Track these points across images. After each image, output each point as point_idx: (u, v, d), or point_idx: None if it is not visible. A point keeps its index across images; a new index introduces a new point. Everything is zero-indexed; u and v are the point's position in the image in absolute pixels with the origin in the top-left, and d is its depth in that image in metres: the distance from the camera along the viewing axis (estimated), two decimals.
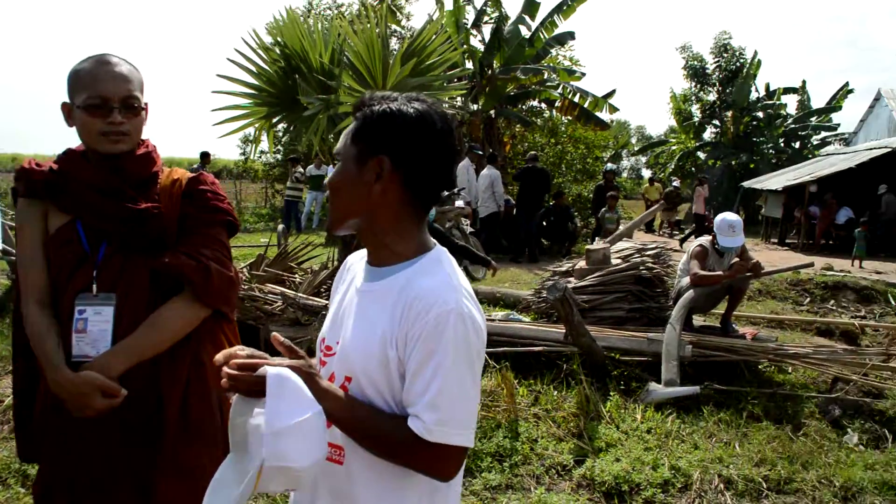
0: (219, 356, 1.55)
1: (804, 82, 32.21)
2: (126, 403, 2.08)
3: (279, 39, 7.12)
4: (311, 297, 6.09)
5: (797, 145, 30.61)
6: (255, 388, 1.48)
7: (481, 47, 18.53)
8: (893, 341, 7.83)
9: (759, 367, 6.19)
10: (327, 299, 6.27)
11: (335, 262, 7.29)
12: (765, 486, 4.33)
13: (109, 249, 2.17)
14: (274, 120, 7.23)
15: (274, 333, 1.60)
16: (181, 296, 2.18)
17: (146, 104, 2.23)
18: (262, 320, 5.99)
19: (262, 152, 23.44)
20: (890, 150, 18.85)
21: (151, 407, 2.15)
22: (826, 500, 4.22)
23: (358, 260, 1.80)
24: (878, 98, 23.78)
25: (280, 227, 13.60)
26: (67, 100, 2.16)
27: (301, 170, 18.89)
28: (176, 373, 2.19)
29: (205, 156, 17.54)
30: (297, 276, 7.01)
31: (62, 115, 2.19)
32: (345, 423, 1.54)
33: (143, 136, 2.28)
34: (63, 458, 2.16)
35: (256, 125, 7.23)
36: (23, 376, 2.29)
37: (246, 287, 6.27)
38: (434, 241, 1.69)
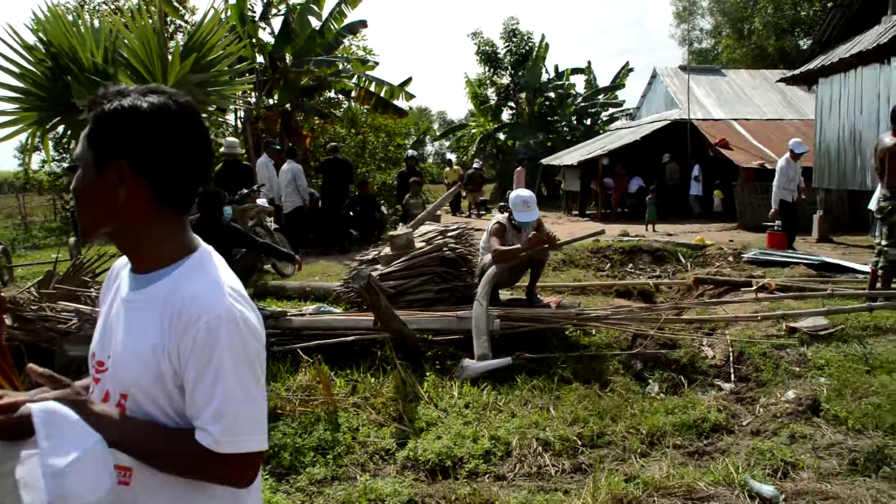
0: None
1: (590, 63, 34.43)
2: None
3: (42, 37, 6.58)
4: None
5: (588, 122, 32.54)
6: (19, 429, 1.38)
7: (271, 40, 18.13)
8: (683, 296, 8.48)
9: (566, 332, 6.48)
10: None
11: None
12: (579, 443, 4.57)
13: None
14: (48, 125, 6.67)
15: (29, 365, 1.48)
16: None
17: None
18: (56, 342, 5.56)
19: (42, 161, 21.71)
20: (669, 122, 20.65)
21: None
22: (635, 448, 4.52)
23: (123, 266, 1.68)
24: (654, 76, 25.69)
25: (71, 239, 12.68)
26: None
27: None
28: None
29: None
30: (92, 290, 6.55)
31: None
32: (128, 447, 1.44)
33: None
34: None
35: (28, 132, 6.65)
36: None
37: (35, 308, 5.80)
38: (199, 241, 1.60)
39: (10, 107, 6.44)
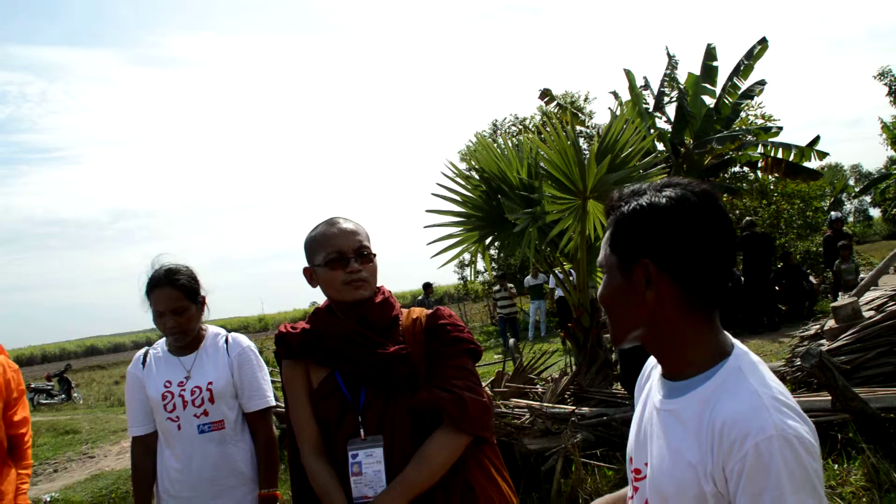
0: None
1: None
2: None
3: (475, 165, 7.49)
4: (557, 406, 6.09)
5: None
6: None
7: (668, 127, 18.33)
8: None
9: None
10: (573, 405, 6.24)
11: (572, 368, 7.28)
12: None
13: (369, 394, 2.33)
14: (487, 241, 7.51)
15: None
16: (442, 428, 2.26)
17: (375, 253, 2.44)
18: (513, 435, 6.04)
19: (479, 272, 24.18)
20: None
21: None
22: None
23: (655, 364, 1.65)
24: None
25: (511, 341, 13.82)
26: (307, 265, 2.42)
27: (511, 285, 19.16)
28: (450, 503, 2.25)
29: (427, 286, 18.41)
30: (538, 386, 7.05)
31: (305, 280, 2.44)
32: None
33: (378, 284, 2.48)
34: None
35: (471, 249, 7.54)
36: None
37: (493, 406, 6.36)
38: (732, 341, 1.48)
39: (455, 230, 7.39)
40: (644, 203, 1.42)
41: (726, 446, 1.29)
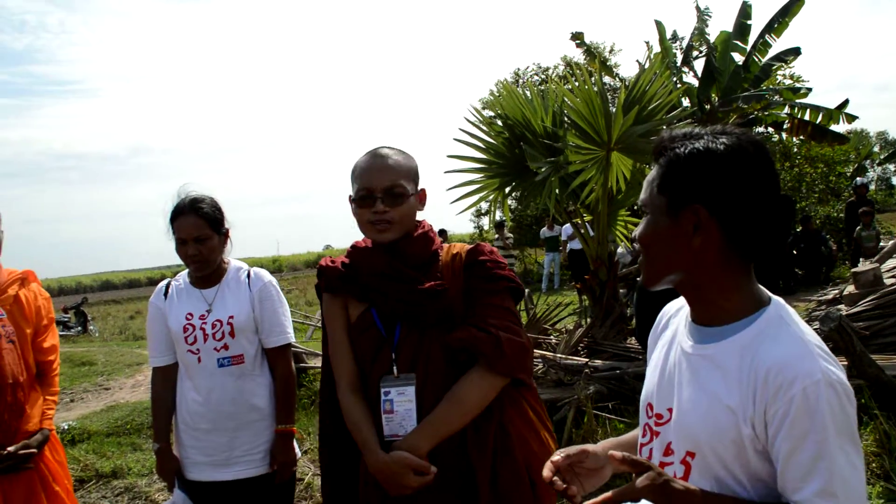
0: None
1: None
2: (438, 480, 2.16)
3: (499, 111, 7.39)
4: (570, 357, 6.10)
5: None
6: None
7: (695, 83, 18.01)
8: None
9: None
10: (586, 357, 6.25)
11: (587, 320, 7.27)
12: None
13: (404, 331, 2.28)
14: (507, 189, 7.44)
15: (611, 452, 1.45)
16: (476, 368, 2.19)
17: (421, 190, 2.36)
18: None
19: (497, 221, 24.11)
20: None
21: (462, 481, 2.20)
22: None
23: (674, 312, 1.67)
24: None
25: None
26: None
27: (510, 234, 18.93)
28: (482, 445, 2.20)
29: (442, 233, 18.30)
30: (552, 337, 7.06)
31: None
32: None
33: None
34: None
35: (490, 197, 7.48)
36: (328, 461, 2.49)
37: None
38: (768, 292, 1.51)
39: (476, 176, 7.32)
40: (701, 147, 1.42)
41: (772, 390, 1.32)
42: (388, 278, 2.31)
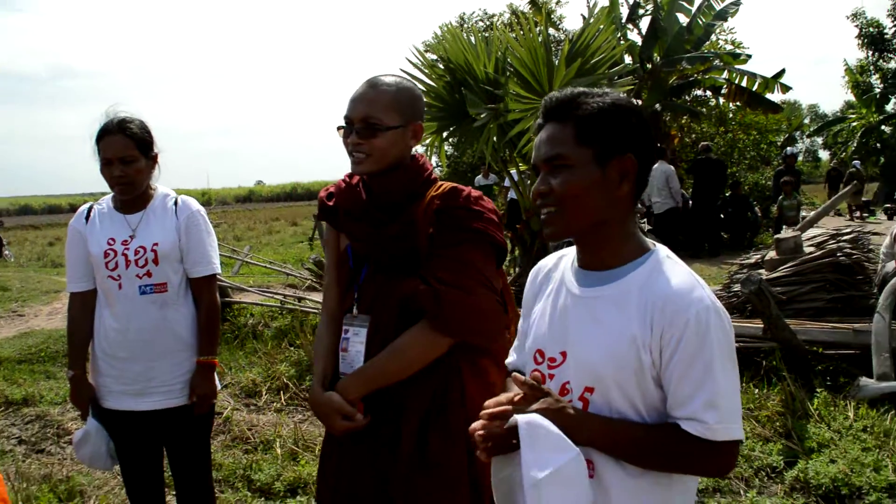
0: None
1: None
2: (372, 428, 2.13)
3: (442, 55, 7.27)
4: None
5: None
6: (509, 440, 1.47)
7: (639, 41, 18.06)
8: None
9: None
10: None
11: (516, 269, 7.31)
12: None
13: (370, 272, 2.23)
14: (444, 134, 7.37)
15: (514, 374, 1.55)
16: (420, 322, 2.09)
17: (415, 124, 2.20)
18: None
19: (436, 165, 23.98)
20: None
21: (394, 434, 2.13)
22: None
23: (552, 266, 1.73)
24: None
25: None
26: None
27: None
28: (414, 404, 2.12)
29: None
30: None
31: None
32: (610, 449, 1.49)
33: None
34: (327, 475, 2.28)
35: (427, 140, 7.40)
36: None
37: None
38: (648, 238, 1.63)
39: None
40: (614, 101, 1.52)
41: (668, 316, 1.44)
42: (354, 217, 2.26)
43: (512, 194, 15.67)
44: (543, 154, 1.54)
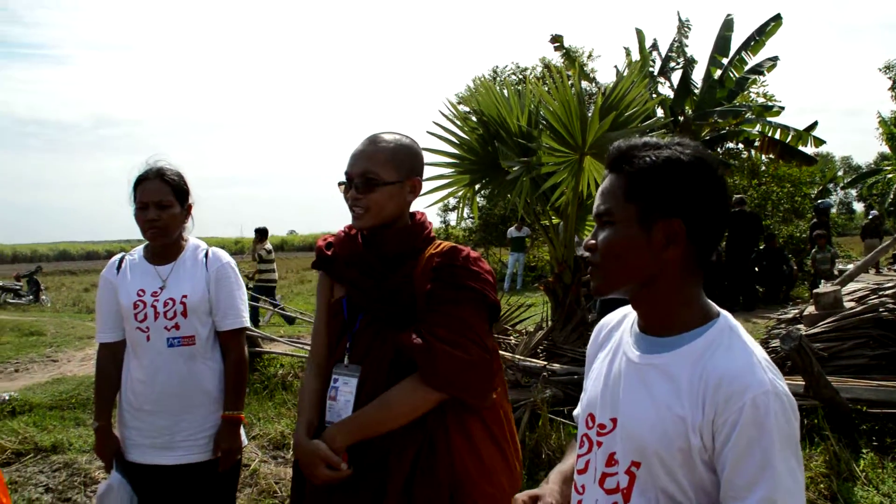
0: None
1: None
2: (358, 478, 2.12)
3: (475, 108, 7.32)
4: (528, 359, 6.04)
5: None
6: None
7: (670, 94, 18.09)
8: None
9: None
10: (545, 360, 6.20)
11: (548, 322, 7.23)
12: None
13: (364, 322, 2.24)
14: (477, 186, 7.38)
15: (515, 495, 1.51)
16: (413, 376, 2.11)
17: (413, 179, 2.26)
18: None
19: (464, 218, 23.98)
20: None
21: (380, 486, 2.12)
22: None
23: (615, 324, 1.64)
24: None
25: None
26: None
27: (269, 245, 15.83)
28: (402, 455, 2.11)
29: None
30: (511, 338, 7.01)
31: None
32: None
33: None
34: None
35: (460, 193, 7.42)
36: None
37: None
38: (715, 305, 1.50)
39: (447, 171, 7.25)
40: (671, 157, 1.41)
41: (722, 399, 1.32)
42: (354, 268, 2.28)
43: None
44: (595, 207, 1.50)
